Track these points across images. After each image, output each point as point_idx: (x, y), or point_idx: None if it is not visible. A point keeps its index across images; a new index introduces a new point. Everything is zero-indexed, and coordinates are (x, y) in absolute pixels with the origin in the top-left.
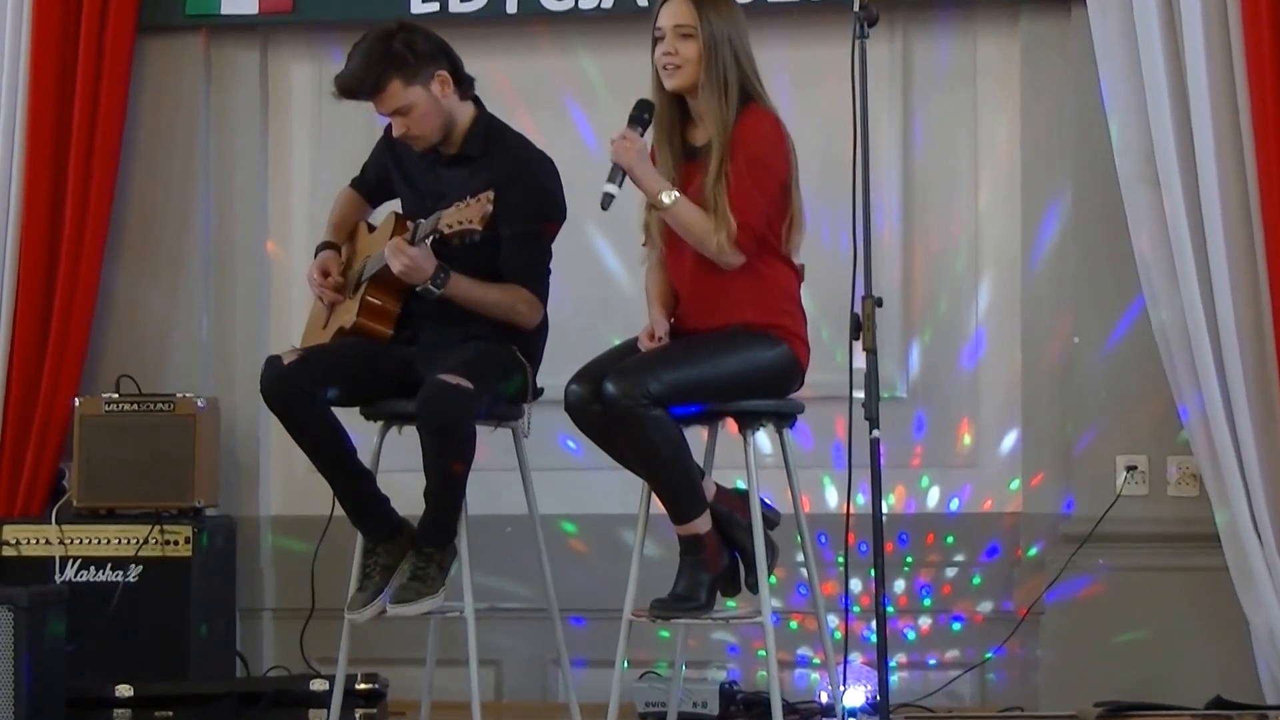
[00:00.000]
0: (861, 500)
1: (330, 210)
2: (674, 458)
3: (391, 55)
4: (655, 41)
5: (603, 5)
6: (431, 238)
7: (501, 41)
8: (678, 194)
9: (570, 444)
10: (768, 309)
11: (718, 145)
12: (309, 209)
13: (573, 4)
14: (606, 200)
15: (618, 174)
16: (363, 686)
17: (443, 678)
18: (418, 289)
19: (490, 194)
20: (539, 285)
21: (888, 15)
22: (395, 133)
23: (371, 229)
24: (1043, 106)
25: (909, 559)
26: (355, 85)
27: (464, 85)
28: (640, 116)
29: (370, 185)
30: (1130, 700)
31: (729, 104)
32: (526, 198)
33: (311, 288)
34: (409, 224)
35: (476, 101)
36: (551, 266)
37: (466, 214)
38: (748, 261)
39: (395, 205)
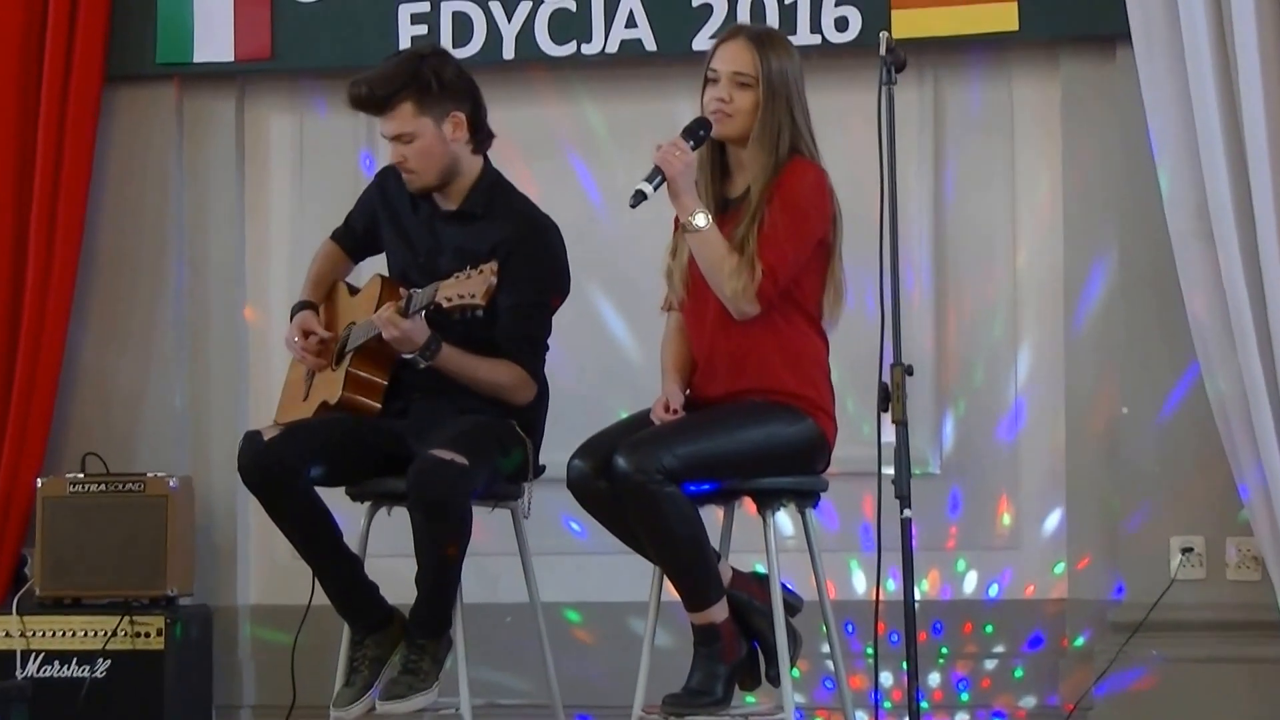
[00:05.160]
0: (892, 586)
1: (309, 266)
2: (690, 538)
3: (415, 76)
4: (707, 82)
5: (607, 50)
6: (425, 309)
7: (498, 88)
8: (711, 221)
9: (574, 525)
10: (793, 378)
11: (756, 194)
12: (289, 271)
13: (575, 49)
14: (637, 198)
15: (657, 176)
16: None
17: None
18: (404, 355)
19: (494, 265)
20: (534, 362)
21: (917, 58)
22: (392, 158)
23: (353, 291)
24: (1086, 156)
25: (944, 649)
26: (366, 95)
27: (480, 136)
28: (695, 131)
29: (355, 236)
30: None
31: (776, 158)
32: (532, 267)
33: (291, 350)
34: (401, 291)
35: (486, 159)
36: (550, 342)
37: (468, 287)
38: (776, 324)
39: (377, 262)
